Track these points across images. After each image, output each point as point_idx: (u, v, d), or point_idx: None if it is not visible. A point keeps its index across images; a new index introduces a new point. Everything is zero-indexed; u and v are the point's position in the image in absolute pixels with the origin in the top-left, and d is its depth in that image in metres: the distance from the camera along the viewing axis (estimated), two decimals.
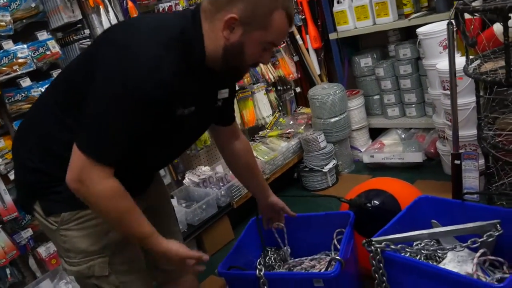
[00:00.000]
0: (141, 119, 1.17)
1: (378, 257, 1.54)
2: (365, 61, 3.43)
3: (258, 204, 1.86)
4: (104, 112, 1.15)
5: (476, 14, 1.68)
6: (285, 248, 1.99)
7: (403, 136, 3.32)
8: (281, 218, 1.91)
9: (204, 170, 2.96)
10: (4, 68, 2.06)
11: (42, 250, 2.23)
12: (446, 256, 1.73)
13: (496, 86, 1.76)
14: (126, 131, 1.17)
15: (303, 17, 3.57)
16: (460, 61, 2.07)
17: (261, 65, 3.24)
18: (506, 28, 1.52)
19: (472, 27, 1.96)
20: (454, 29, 1.84)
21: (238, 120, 3.08)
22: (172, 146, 1.42)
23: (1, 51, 2.06)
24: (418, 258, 1.72)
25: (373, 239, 1.57)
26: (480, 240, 1.58)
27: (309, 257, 1.98)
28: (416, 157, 2.99)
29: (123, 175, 1.23)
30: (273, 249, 2.03)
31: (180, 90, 1.19)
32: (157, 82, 1.13)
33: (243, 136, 1.72)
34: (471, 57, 1.97)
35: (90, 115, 1.17)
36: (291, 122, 3.40)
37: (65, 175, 1.19)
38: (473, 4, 1.84)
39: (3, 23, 2.06)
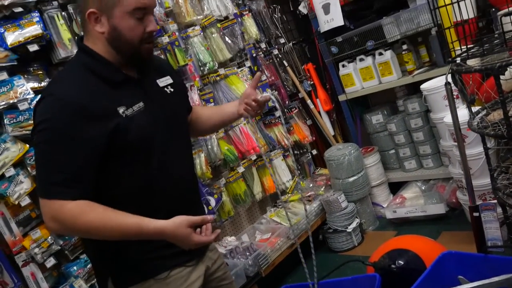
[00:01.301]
0: (73, 142, 1.23)
1: None
2: (376, 118, 3.53)
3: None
4: (37, 156, 1.28)
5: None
6: None
7: (423, 188, 3.34)
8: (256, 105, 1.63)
9: (230, 240, 3.02)
10: None
11: None
12: None
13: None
14: (64, 161, 1.23)
15: (312, 82, 3.74)
16: (466, 112, 2.14)
17: (276, 132, 3.39)
18: (499, 85, 1.61)
19: (470, 82, 2.06)
20: (453, 88, 1.93)
21: (258, 188, 3.18)
22: (157, 154, 1.39)
23: (31, 148, 2.23)
24: None
25: None
26: None
27: None
28: (439, 208, 3.00)
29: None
30: None
31: (99, 97, 1.29)
32: (61, 105, 1.24)
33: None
34: (477, 108, 2.05)
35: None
36: (311, 185, 3.47)
37: (117, 246, 1.32)
38: (468, 62, 1.96)
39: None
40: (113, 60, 1.36)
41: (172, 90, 1.52)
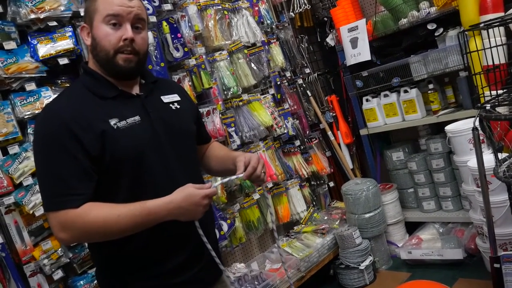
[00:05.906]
0: (64, 152, 1.25)
1: None
2: (397, 155, 3.48)
3: None
4: (38, 171, 1.30)
5: None
6: None
7: (441, 231, 3.25)
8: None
9: (240, 267, 2.97)
10: None
11: None
12: None
13: None
14: (61, 171, 1.25)
15: (334, 114, 3.72)
16: (492, 158, 2.09)
17: (294, 161, 3.36)
18: None
19: (498, 129, 2.01)
20: (480, 133, 1.89)
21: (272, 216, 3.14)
22: (155, 164, 1.37)
23: None
24: None
25: None
26: None
27: None
28: (456, 254, 2.91)
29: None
30: None
31: (88, 111, 1.30)
32: (52, 116, 1.29)
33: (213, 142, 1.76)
34: (504, 155, 2.00)
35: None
36: (326, 217, 3.41)
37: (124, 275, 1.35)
38: (498, 109, 1.92)
39: None
40: (107, 76, 1.39)
41: (178, 107, 1.51)
